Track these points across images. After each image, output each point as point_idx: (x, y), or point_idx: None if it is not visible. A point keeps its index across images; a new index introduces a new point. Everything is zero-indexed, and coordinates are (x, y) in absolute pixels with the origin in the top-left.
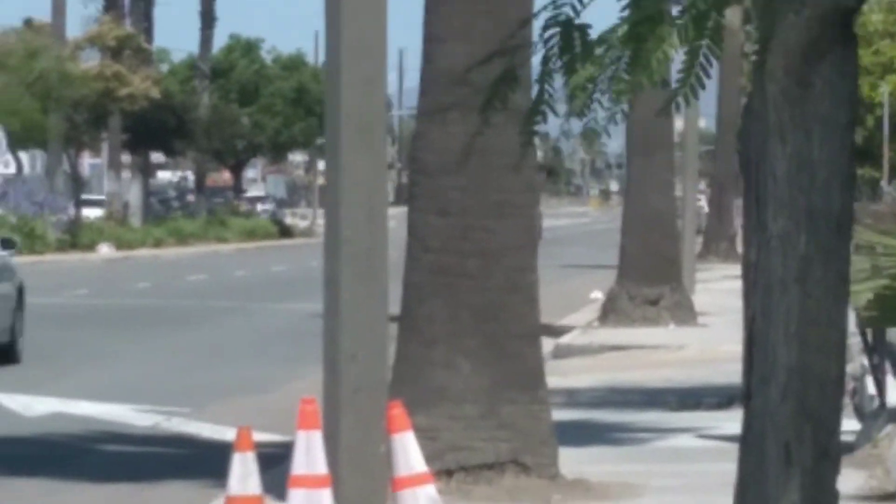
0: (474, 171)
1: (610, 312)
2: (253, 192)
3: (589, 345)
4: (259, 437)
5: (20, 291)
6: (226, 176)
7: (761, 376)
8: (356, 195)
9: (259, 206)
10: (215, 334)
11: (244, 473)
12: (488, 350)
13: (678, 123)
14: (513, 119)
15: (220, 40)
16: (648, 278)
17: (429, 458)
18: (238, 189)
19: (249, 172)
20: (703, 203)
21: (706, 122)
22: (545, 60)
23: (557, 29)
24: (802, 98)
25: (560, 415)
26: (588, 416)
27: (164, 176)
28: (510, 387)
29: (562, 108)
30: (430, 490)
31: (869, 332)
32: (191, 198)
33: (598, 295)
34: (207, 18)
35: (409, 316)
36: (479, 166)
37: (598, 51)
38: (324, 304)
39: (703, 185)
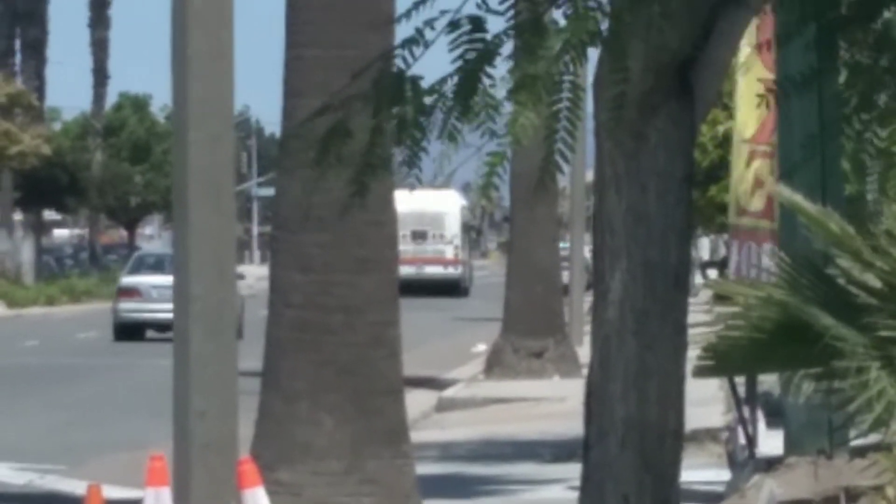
0: (336, 226)
1: (495, 365)
2: (150, 248)
3: (472, 398)
4: (129, 493)
5: None
6: (123, 233)
7: (600, 428)
8: (205, 253)
9: None
10: (99, 391)
11: None
12: (351, 405)
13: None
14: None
15: (112, 98)
16: (533, 331)
17: None
18: (132, 246)
19: (147, 229)
20: None
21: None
22: (377, 111)
23: (389, 80)
24: (637, 151)
25: (434, 468)
26: (461, 469)
27: (60, 234)
28: (373, 442)
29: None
30: None
31: (739, 383)
32: (85, 255)
33: (482, 347)
34: (100, 76)
35: (273, 371)
36: (342, 222)
37: (428, 100)
38: (173, 361)
39: None
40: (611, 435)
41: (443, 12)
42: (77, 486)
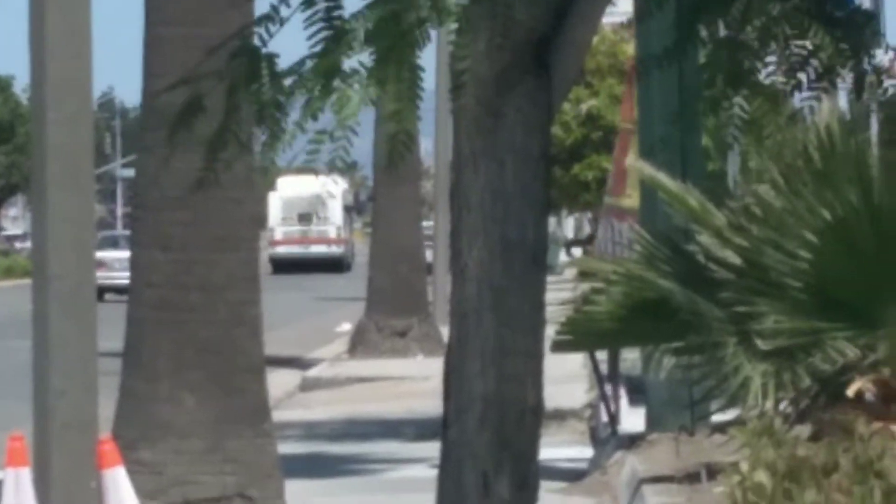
0: (196, 205)
1: (359, 344)
2: (14, 230)
3: (336, 377)
4: None
5: None
6: None
7: (458, 406)
8: (63, 232)
9: (18, 245)
10: None
11: None
12: (213, 384)
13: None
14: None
15: None
16: (396, 310)
17: (154, 493)
18: None
19: (12, 211)
20: None
21: None
22: (231, 89)
23: (244, 58)
24: (494, 128)
25: (297, 447)
26: (325, 448)
27: None
28: (235, 421)
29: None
30: None
31: (601, 360)
32: None
33: (346, 327)
34: None
35: (133, 351)
36: (202, 200)
37: (287, 81)
38: (33, 342)
39: None
40: (469, 413)
41: None
42: None
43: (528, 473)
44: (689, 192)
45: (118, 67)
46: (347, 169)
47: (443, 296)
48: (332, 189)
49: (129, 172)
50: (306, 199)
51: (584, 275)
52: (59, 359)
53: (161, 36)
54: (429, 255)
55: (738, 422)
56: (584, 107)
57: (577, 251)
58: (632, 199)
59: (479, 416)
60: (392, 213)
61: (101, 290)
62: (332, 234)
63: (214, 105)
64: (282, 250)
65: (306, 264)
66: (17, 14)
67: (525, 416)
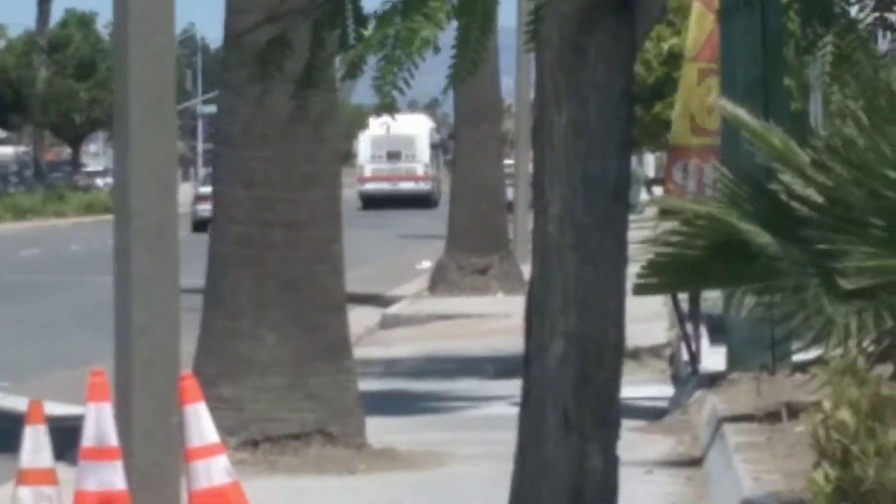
0: (278, 141)
1: (439, 282)
2: (95, 166)
3: (416, 314)
4: (71, 410)
5: None
6: (67, 151)
7: (540, 342)
8: (146, 168)
9: (99, 181)
10: (43, 308)
11: (36, 447)
12: (294, 321)
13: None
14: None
15: (56, 15)
16: (477, 248)
17: (235, 429)
18: (77, 163)
19: (92, 147)
20: None
21: None
22: (316, 27)
23: None
24: (577, 65)
25: (377, 385)
26: (405, 385)
27: (4, 151)
28: (316, 357)
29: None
30: (223, 460)
31: (682, 299)
32: (30, 173)
33: (426, 265)
34: None
35: (215, 288)
36: (285, 137)
37: (370, 25)
38: (114, 277)
39: None
40: (551, 350)
41: None
42: (19, 403)
43: (609, 411)
44: (772, 131)
45: (199, 4)
46: (429, 104)
47: (523, 234)
48: (420, 128)
49: (210, 109)
50: (395, 138)
51: (664, 213)
52: (141, 295)
53: None
54: (509, 193)
55: (820, 361)
56: (665, 45)
57: (657, 190)
58: (711, 138)
59: (560, 353)
60: (473, 151)
61: (205, 223)
62: (420, 171)
63: (299, 41)
64: (371, 187)
65: (394, 200)
66: None
67: (606, 353)
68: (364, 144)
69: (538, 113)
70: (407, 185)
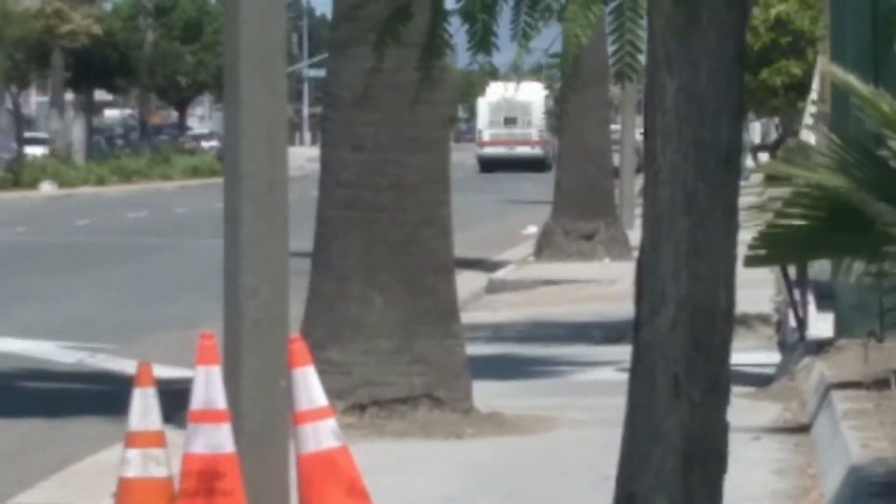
0: (388, 105)
1: (545, 247)
2: (201, 129)
3: (522, 279)
4: (180, 373)
5: None
6: (173, 114)
7: (650, 307)
8: (256, 130)
9: (204, 144)
10: (150, 271)
11: (144, 409)
12: (402, 284)
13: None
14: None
15: None
16: (583, 213)
17: (342, 393)
18: (182, 126)
19: (198, 110)
20: None
21: None
22: None
23: None
24: (689, 30)
25: (484, 349)
26: (512, 350)
27: (111, 114)
28: (424, 321)
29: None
30: (331, 424)
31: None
32: (136, 135)
33: (532, 230)
34: None
35: (323, 251)
36: (393, 101)
37: None
38: (224, 240)
39: None
40: (661, 314)
41: None
42: (127, 365)
43: (719, 376)
44: (882, 97)
45: None
46: (535, 69)
47: (629, 199)
48: (535, 95)
49: (315, 73)
50: (511, 104)
51: (770, 179)
52: (251, 257)
53: None
54: (615, 158)
55: None
56: (773, 11)
57: (763, 156)
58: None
59: (671, 317)
60: (580, 115)
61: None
62: (535, 136)
63: (417, 7)
64: (489, 151)
65: (511, 163)
66: None
67: (717, 318)
68: (483, 110)
69: (649, 78)
70: (523, 150)
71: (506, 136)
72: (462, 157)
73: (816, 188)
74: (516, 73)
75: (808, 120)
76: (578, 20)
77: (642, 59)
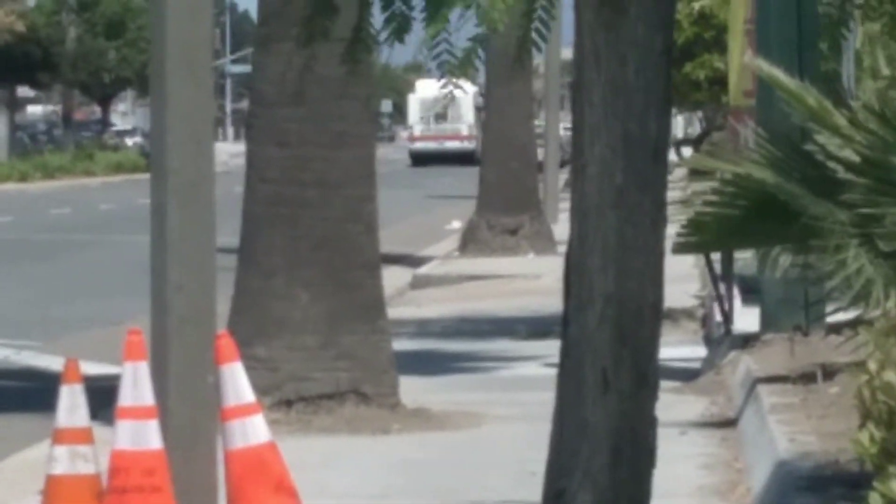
0: (313, 101)
1: (470, 242)
2: (124, 125)
3: (447, 275)
4: (106, 369)
5: None
6: (96, 109)
7: (578, 302)
8: (182, 125)
9: (128, 140)
10: (74, 267)
11: (72, 405)
12: (327, 280)
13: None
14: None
15: None
16: (508, 208)
17: (269, 389)
18: (106, 122)
19: (121, 106)
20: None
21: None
22: None
23: None
24: (617, 23)
25: (409, 345)
26: (437, 345)
27: (34, 110)
28: (350, 317)
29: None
30: (258, 420)
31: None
32: (59, 132)
33: (456, 225)
34: None
35: (248, 247)
36: (318, 96)
37: None
38: (150, 236)
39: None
40: (589, 309)
41: None
42: (53, 362)
43: (647, 371)
44: (808, 91)
45: None
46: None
47: (554, 194)
48: (465, 90)
49: (238, 68)
50: (440, 100)
51: (695, 173)
52: (177, 253)
53: None
54: (539, 153)
55: (857, 323)
56: (696, 5)
57: (686, 150)
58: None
59: (599, 312)
60: (504, 110)
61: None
62: (465, 131)
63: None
64: (419, 145)
65: (441, 157)
66: None
67: (645, 312)
68: (413, 106)
69: (577, 72)
70: (452, 144)
71: (436, 131)
72: (385, 153)
73: (745, 178)
74: (424, 55)
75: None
76: (496, 5)
77: (545, 39)
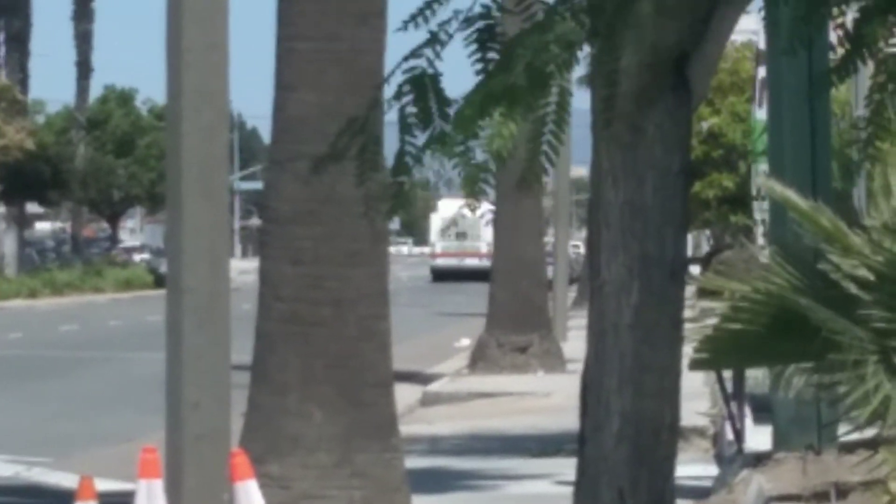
0: (327, 219)
1: (479, 360)
2: (132, 241)
3: (457, 392)
4: (118, 486)
5: None
6: (105, 226)
7: (595, 422)
8: (198, 244)
9: (136, 256)
10: (84, 384)
11: None
12: (341, 398)
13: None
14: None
15: (95, 91)
16: (517, 326)
17: None
18: (114, 239)
19: (129, 223)
20: (581, 251)
21: (585, 170)
22: (403, 114)
23: (410, 86)
24: (634, 144)
25: (420, 462)
26: (448, 463)
27: (42, 227)
28: (363, 435)
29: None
30: None
31: (727, 378)
32: (67, 248)
33: (465, 342)
34: (84, 69)
35: (262, 364)
36: (332, 215)
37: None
38: (166, 353)
39: (584, 233)
40: (606, 429)
41: (456, 12)
42: (63, 479)
43: (664, 490)
44: (821, 212)
45: (235, 79)
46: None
47: (563, 311)
48: (483, 211)
49: (247, 185)
50: (462, 220)
51: (703, 292)
52: (193, 370)
53: (294, 49)
54: (548, 271)
55: (871, 442)
56: (705, 124)
57: (694, 269)
58: None
59: (616, 432)
60: (514, 227)
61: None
62: (483, 249)
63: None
64: (440, 262)
65: (460, 274)
66: (141, 26)
67: (662, 432)
68: (435, 224)
69: (594, 191)
70: (471, 262)
71: (457, 248)
72: (394, 269)
73: (763, 294)
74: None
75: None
76: (496, 138)
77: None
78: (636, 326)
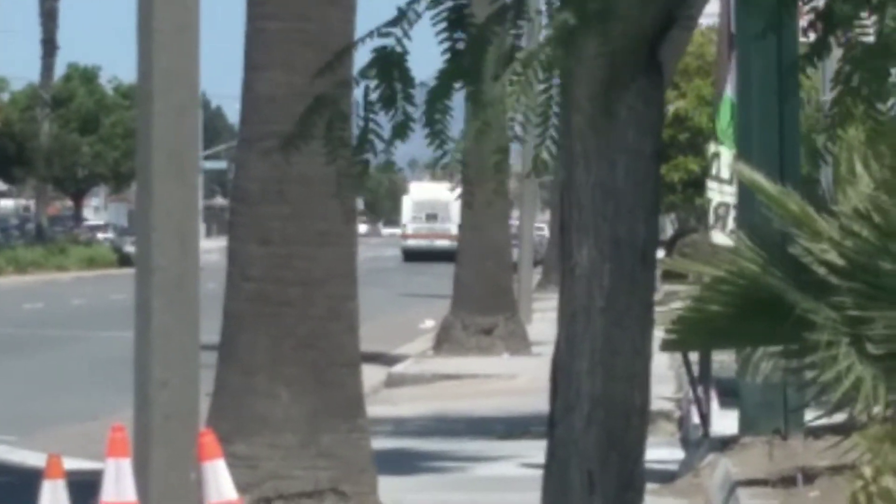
0: (295, 199)
1: (444, 342)
2: (96, 220)
3: (422, 374)
4: (84, 465)
5: None
6: (69, 204)
7: (565, 404)
8: (167, 223)
9: (100, 235)
10: (47, 362)
11: (54, 502)
12: (308, 378)
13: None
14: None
15: (60, 69)
16: (483, 308)
17: (248, 487)
18: (78, 217)
19: (94, 201)
20: (546, 233)
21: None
22: (367, 92)
23: (375, 63)
24: (607, 127)
25: (386, 443)
26: (414, 444)
27: (6, 204)
28: (330, 415)
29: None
30: None
31: (693, 361)
32: (31, 226)
33: (430, 324)
34: (49, 46)
35: (229, 344)
36: (301, 195)
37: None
38: (135, 332)
39: (548, 215)
40: (576, 411)
41: None
42: (27, 457)
43: (633, 473)
44: (790, 196)
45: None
46: (430, 163)
47: (528, 294)
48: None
49: (211, 164)
50: (433, 202)
51: (667, 275)
52: (162, 350)
53: (263, 29)
54: (514, 253)
55: (839, 427)
56: (671, 108)
57: (659, 252)
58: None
59: (586, 415)
60: (480, 211)
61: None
62: (453, 230)
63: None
64: (412, 243)
65: (431, 255)
66: (107, 4)
67: (632, 415)
68: (407, 206)
69: (565, 174)
70: (442, 243)
71: (427, 230)
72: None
73: (735, 276)
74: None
75: (712, 219)
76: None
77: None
78: (607, 309)
